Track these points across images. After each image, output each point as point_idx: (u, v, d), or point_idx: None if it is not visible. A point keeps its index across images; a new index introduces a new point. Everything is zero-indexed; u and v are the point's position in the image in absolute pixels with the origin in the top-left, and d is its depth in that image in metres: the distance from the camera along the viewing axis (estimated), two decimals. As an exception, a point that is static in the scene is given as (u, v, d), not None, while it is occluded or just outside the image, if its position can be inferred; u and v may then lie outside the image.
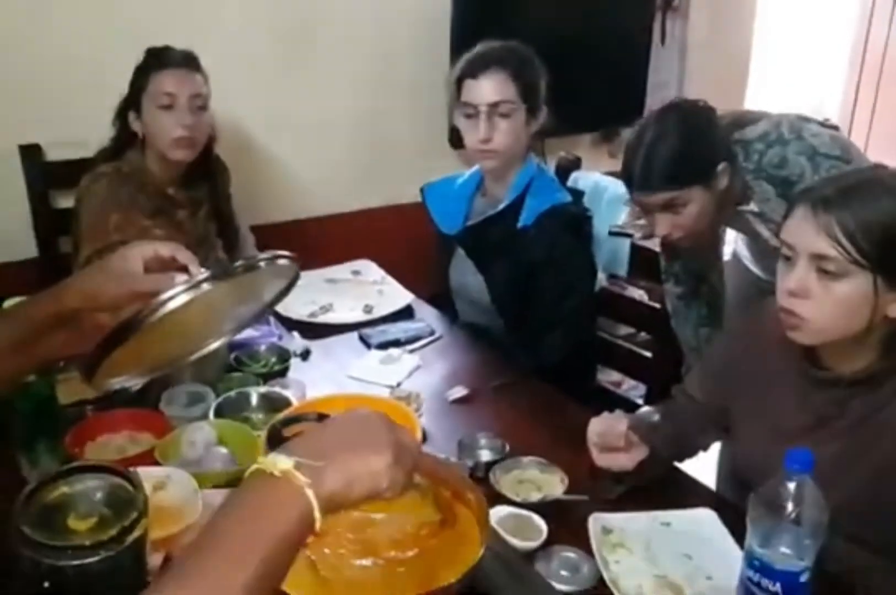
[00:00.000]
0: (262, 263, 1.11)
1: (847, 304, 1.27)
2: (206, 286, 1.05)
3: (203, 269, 1.17)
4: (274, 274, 1.18)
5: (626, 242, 2.28)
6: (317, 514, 0.79)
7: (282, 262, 1.14)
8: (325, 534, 1.02)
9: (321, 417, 1.09)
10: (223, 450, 1.52)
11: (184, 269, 1.22)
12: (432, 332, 2.15)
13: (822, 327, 1.30)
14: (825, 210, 1.26)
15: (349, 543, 1.01)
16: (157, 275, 1.18)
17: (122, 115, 2.19)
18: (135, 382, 1.29)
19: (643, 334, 2.73)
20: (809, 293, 1.28)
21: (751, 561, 1.15)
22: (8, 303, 1.52)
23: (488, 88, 2.00)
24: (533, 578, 1.07)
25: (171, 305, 1.03)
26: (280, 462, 0.79)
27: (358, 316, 2.23)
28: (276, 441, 1.03)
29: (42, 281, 2.33)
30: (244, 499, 0.80)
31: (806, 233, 1.27)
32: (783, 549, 1.12)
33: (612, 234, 2.08)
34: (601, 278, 2.30)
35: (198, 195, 2.29)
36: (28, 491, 1.13)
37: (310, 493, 0.78)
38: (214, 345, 1.30)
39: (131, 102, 2.16)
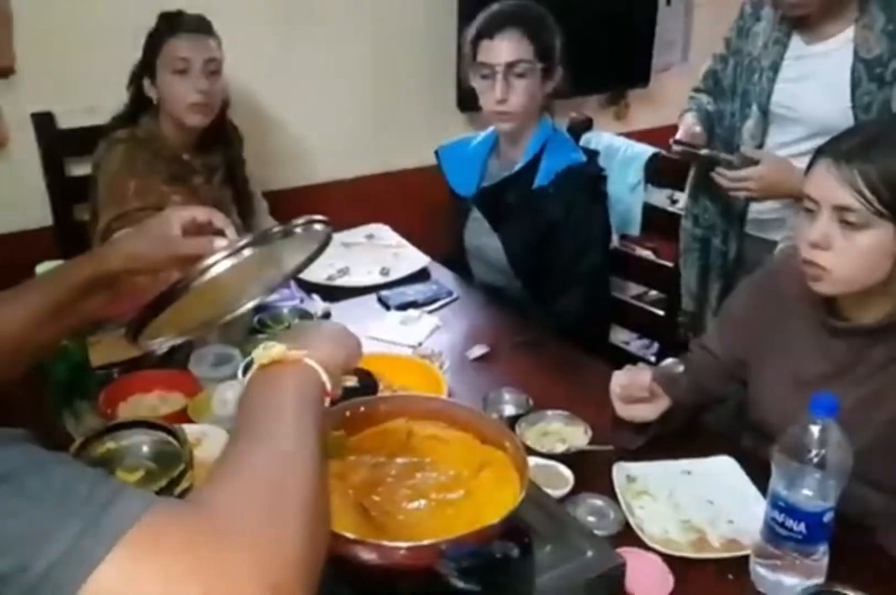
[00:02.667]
0: (298, 229, 1.13)
1: (868, 255, 1.30)
2: (247, 252, 1.07)
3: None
4: (306, 238, 1.21)
5: (640, 201, 2.30)
6: (324, 376, 0.89)
7: (317, 226, 1.17)
8: (376, 483, 1.07)
9: (358, 372, 1.13)
10: (254, 407, 1.55)
11: (219, 232, 1.26)
12: (450, 293, 2.18)
13: (844, 278, 1.33)
14: (847, 162, 1.28)
15: (400, 489, 1.06)
16: (196, 238, 1.21)
17: (135, 80, 2.20)
18: (171, 343, 1.32)
19: (653, 293, 2.77)
20: (832, 244, 1.31)
21: (775, 503, 1.19)
22: (40, 267, 1.55)
23: (505, 48, 2.00)
24: (568, 520, 1.11)
25: (216, 270, 1.05)
26: (272, 350, 0.89)
27: (375, 279, 2.26)
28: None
29: (58, 249, 2.38)
30: (259, 387, 0.88)
31: (828, 185, 1.30)
32: (806, 492, 1.16)
33: (676, 142, 2.08)
34: (613, 238, 2.33)
35: (213, 161, 2.31)
36: (75, 447, 1.17)
37: (309, 360, 0.89)
38: (248, 306, 1.33)
39: (145, 68, 2.17)
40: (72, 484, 0.63)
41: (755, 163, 1.97)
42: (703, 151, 2.04)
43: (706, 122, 2.20)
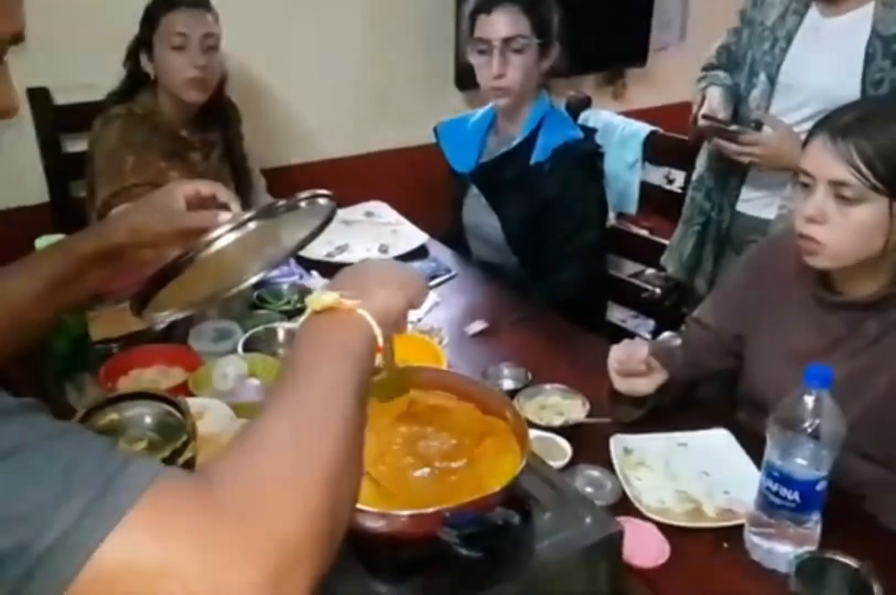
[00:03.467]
0: (302, 203, 1.13)
1: (863, 229, 1.32)
2: (251, 225, 1.08)
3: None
4: (310, 213, 1.21)
5: (637, 180, 2.31)
6: (375, 330, 0.86)
7: (321, 201, 1.17)
8: (383, 453, 1.08)
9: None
10: (255, 381, 1.57)
11: (223, 206, 1.26)
12: (448, 270, 2.19)
13: (839, 252, 1.35)
14: (844, 138, 1.30)
15: (405, 457, 1.07)
16: (201, 212, 1.22)
17: (132, 56, 2.19)
18: (176, 317, 1.32)
19: (649, 272, 2.79)
20: (827, 219, 1.33)
21: (770, 472, 1.22)
22: (40, 241, 1.55)
23: (501, 23, 2.01)
24: (567, 489, 1.12)
25: (221, 243, 1.06)
26: (324, 297, 0.86)
27: (374, 255, 2.26)
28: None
29: (54, 225, 2.38)
30: (305, 340, 0.85)
31: (825, 161, 1.32)
32: (800, 461, 1.18)
33: (704, 117, 2.05)
34: (610, 216, 2.34)
35: (210, 137, 2.31)
36: (77, 419, 1.18)
37: (362, 311, 0.86)
38: (251, 281, 1.34)
39: (142, 43, 2.16)
40: (78, 458, 0.61)
41: (759, 127, 1.97)
42: (732, 127, 2.02)
43: (731, 96, 2.18)
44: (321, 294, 0.87)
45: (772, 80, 2.03)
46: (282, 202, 1.12)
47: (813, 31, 1.99)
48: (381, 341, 0.87)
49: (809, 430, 1.17)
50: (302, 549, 0.64)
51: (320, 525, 0.66)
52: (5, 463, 0.59)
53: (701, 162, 2.23)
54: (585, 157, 2.11)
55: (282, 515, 0.64)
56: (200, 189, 1.24)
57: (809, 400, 1.17)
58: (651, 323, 2.54)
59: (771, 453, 1.22)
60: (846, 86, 1.89)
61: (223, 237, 1.06)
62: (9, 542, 0.56)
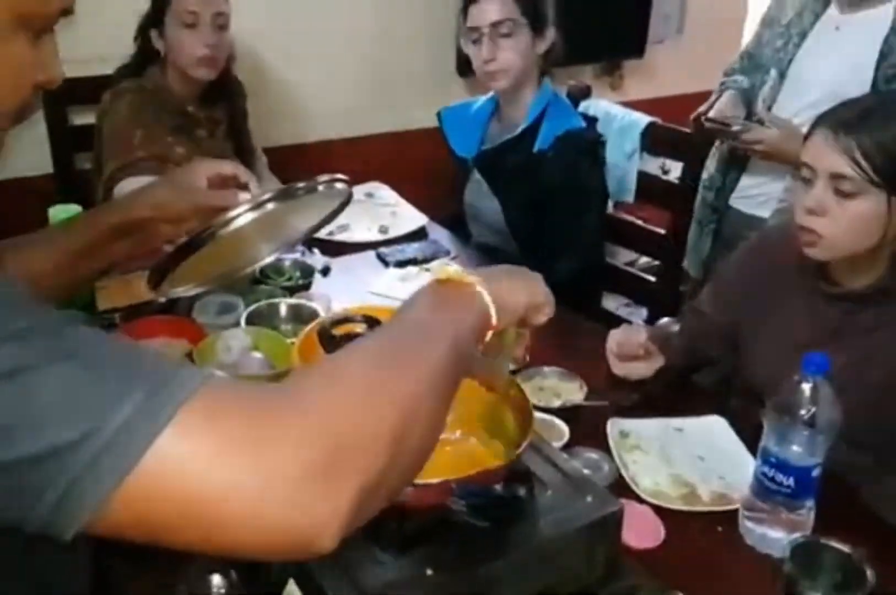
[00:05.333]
0: (321, 186, 1.15)
1: (861, 222, 1.35)
2: (270, 205, 1.10)
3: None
4: (327, 196, 1.23)
5: (635, 169, 2.33)
6: (491, 308, 0.87)
7: (338, 185, 1.19)
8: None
9: (368, 319, 1.16)
10: (258, 355, 1.58)
11: (243, 187, 1.29)
12: (448, 252, 2.21)
13: (837, 243, 1.38)
14: (844, 132, 1.33)
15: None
16: (222, 191, 1.24)
17: (144, 32, 2.20)
18: (191, 293, 1.35)
19: (644, 260, 2.81)
20: (827, 211, 1.36)
21: (766, 458, 1.24)
22: (52, 210, 1.57)
23: (489, 9, 2.03)
24: (567, 467, 1.14)
25: (240, 221, 1.08)
26: (450, 268, 0.89)
27: (374, 236, 2.28)
28: (326, 338, 1.09)
29: (57, 196, 2.39)
30: (425, 297, 0.87)
31: (826, 155, 1.34)
32: (796, 448, 1.21)
33: (707, 120, 2.09)
34: (608, 204, 2.36)
35: (216, 114, 2.32)
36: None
37: (481, 288, 0.88)
38: (266, 260, 1.36)
39: (153, 20, 2.17)
40: (134, 357, 0.64)
41: (762, 124, 1.99)
42: (735, 127, 2.04)
43: (744, 100, 2.19)
44: (447, 266, 0.89)
45: (782, 75, 2.05)
46: (301, 184, 1.15)
47: (829, 27, 2.01)
48: (495, 320, 0.88)
49: (806, 417, 1.19)
50: (358, 446, 0.64)
51: (383, 434, 0.66)
52: (70, 361, 0.61)
53: (712, 162, 2.26)
54: (588, 145, 2.13)
55: (342, 411, 0.66)
56: (222, 169, 1.27)
57: (807, 387, 1.19)
58: (644, 311, 2.57)
59: (767, 439, 1.24)
60: (857, 82, 1.90)
61: (243, 215, 1.09)
62: (77, 430, 0.58)
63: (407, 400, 0.70)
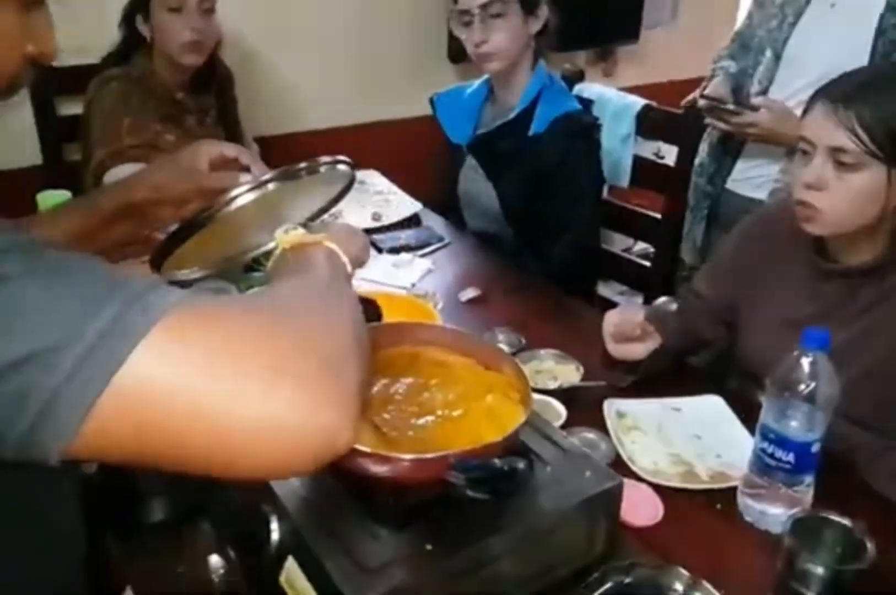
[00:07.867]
0: (323, 168, 1.14)
1: (861, 196, 1.34)
2: (271, 186, 1.09)
3: None
4: (329, 179, 1.22)
5: (630, 153, 2.33)
6: (343, 257, 0.96)
7: (341, 167, 1.18)
8: (387, 402, 1.10)
9: (362, 301, 1.15)
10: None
11: (245, 169, 1.27)
12: (441, 239, 2.20)
13: (836, 218, 1.37)
14: (843, 104, 1.31)
15: (408, 406, 1.09)
16: (224, 173, 1.23)
17: (129, 18, 2.18)
18: (191, 278, 1.33)
19: (639, 246, 2.80)
20: (826, 185, 1.35)
21: (765, 434, 1.23)
22: (42, 196, 1.56)
23: None
24: (566, 444, 1.14)
25: (241, 202, 1.07)
26: (292, 233, 0.99)
27: (367, 223, 2.27)
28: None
29: (47, 187, 2.36)
30: (285, 265, 0.96)
31: (825, 127, 1.33)
32: (795, 423, 1.20)
33: (703, 97, 2.07)
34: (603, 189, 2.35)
35: (206, 102, 2.30)
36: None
37: (329, 243, 0.97)
38: (270, 245, 1.34)
39: (138, 5, 2.15)
40: (114, 271, 0.66)
41: (755, 109, 1.98)
42: (730, 106, 2.03)
43: (732, 84, 2.18)
44: (288, 231, 0.96)
45: (777, 56, 2.04)
46: (303, 165, 1.13)
47: (824, 5, 1.99)
48: (349, 269, 0.95)
49: (805, 392, 1.18)
50: (340, 344, 0.72)
51: (349, 338, 0.74)
52: (53, 274, 0.62)
53: (704, 148, 2.25)
54: (584, 128, 2.12)
55: (315, 322, 0.72)
56: (224, 151, 1.25)
57: (806, 362, 1.18)
58: (639, 299, 2.56)
59: (767, 415, 1.23)
60: (854, 59, 1.88)
61: (243, 195, 1.07)
62: (58, 334, 0.59)
63: (346, 315, 0.79)
